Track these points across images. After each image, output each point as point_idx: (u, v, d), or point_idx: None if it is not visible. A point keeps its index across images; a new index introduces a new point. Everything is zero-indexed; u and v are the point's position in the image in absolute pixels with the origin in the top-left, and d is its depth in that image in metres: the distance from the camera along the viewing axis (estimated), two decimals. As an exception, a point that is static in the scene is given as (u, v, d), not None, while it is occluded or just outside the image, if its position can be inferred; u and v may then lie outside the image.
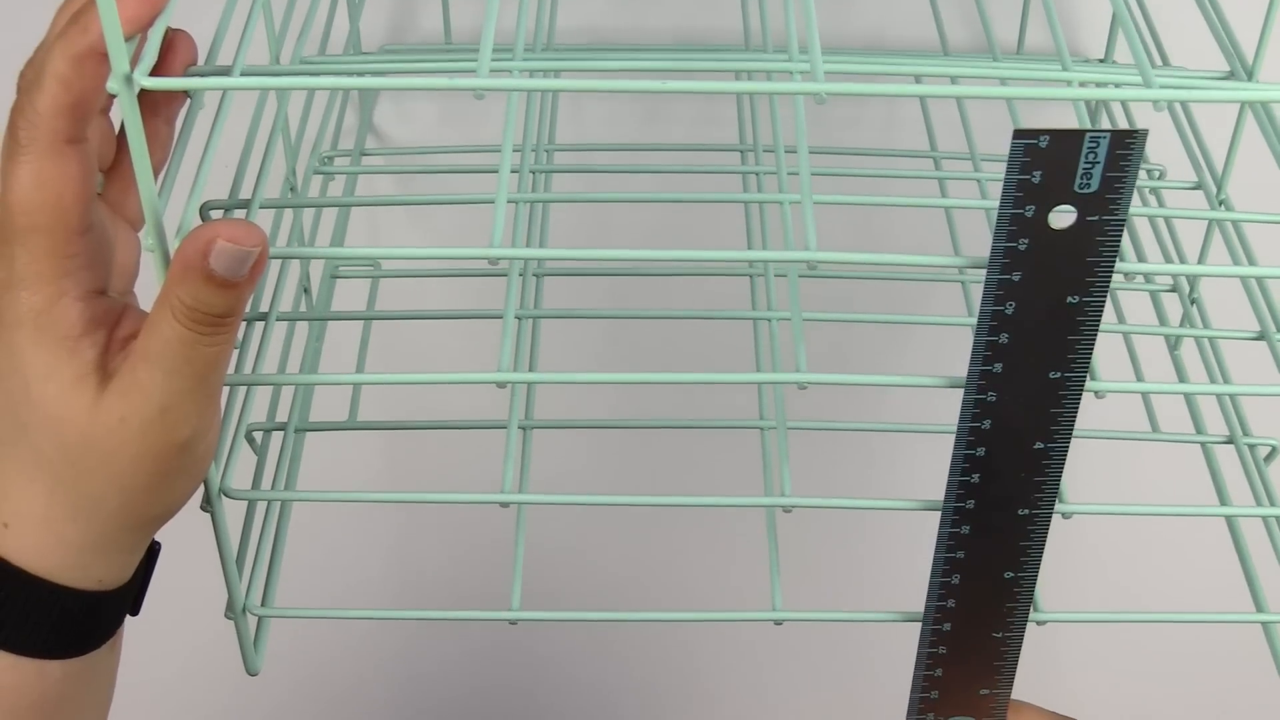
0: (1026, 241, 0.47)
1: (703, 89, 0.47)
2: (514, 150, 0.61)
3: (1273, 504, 0.64)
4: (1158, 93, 0.46)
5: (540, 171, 0.75)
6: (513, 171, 0.63)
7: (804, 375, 0.54)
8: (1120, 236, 0.47)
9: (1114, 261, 0.47)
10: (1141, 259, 0.77)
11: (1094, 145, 0.45)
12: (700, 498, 0.58)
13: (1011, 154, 0.45)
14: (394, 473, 1.00)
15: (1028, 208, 0.46)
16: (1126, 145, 0.45)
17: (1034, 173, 0.46)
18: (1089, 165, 0.45)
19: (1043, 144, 0.45)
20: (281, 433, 0.65)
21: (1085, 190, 0.46)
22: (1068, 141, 0.45)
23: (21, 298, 0.49)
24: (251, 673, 0.61)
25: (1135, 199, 0.75)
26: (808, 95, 0.47)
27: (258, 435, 0.64)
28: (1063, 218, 0.47)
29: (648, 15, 0.84)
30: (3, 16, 0.75)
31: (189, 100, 0.54)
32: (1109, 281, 0.48)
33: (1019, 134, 0.45)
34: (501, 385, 0.54)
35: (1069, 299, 0.48)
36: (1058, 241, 0.47)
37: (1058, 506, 0.55)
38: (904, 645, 0.67)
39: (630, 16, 0.84)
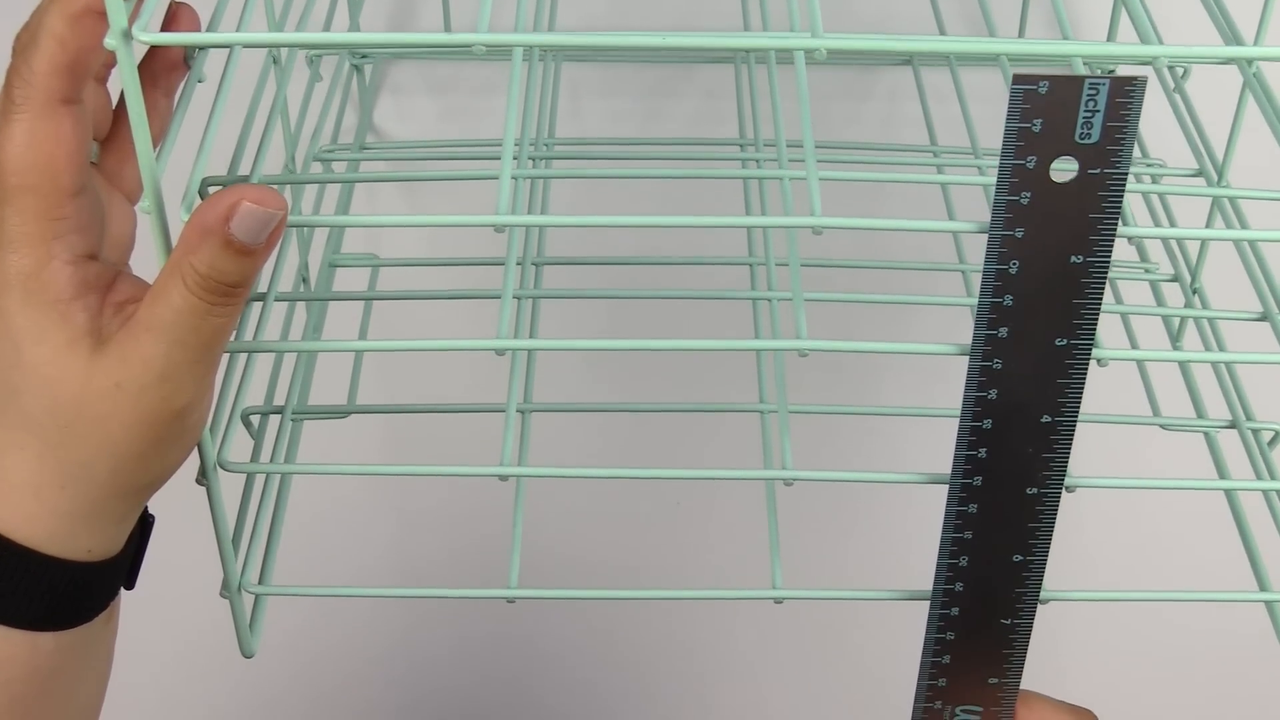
0: (1029, 195, 0.47)
1: (702, 44, 0.47)
2: (514, 145, 0.61)
3: (1274, 478, 0.63)
4: (1157, 49, 0.46)
5: (541, 158, 0.75)
6: (514, 155, 0.63)
7: (804, 342, 0.54)
8: (1123, 191, 0.47)
9: (1117, 219, 0.47)
10: (1143, 251, 0.77)
11: (1094, 92, 0.45)
12: (701, 471, 0.57)
13: (1011, 100, 0.45)
14: (392, 461, 1.00)
15: (1029, 159, 0.46)
16: (1126, 93, 0.45)
17: (1034, 121, 0.46)
18: (1089, 114, 0.45)
19: (1042, 90, 0.45)
20: (278, 418, 0.65)
21: (1086, 141, 0.46)
22: (1067, 88, 0.45)
23: (10, 260, 0.49)
24: (247, 655, 0.60)
25: (1135, 185, 0.75)
26: (807, 52, 0.47)
27: (254, 419, 0.64)
28: (1064, 171, 0.46)
29: (648, 14, 0.84)
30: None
31: (188, 74, 0.54)
32: (1112, 240, 0.48)
33: (1018, 79, 0.45)
34: (500, 353, 0.54)
35: (1073, 258, 0.48)
36: (1060, 195, 0.47)
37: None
38: (905, 631, 0.67)
39: (630, 16, 0.84)
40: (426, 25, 0.85)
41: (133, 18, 0.46)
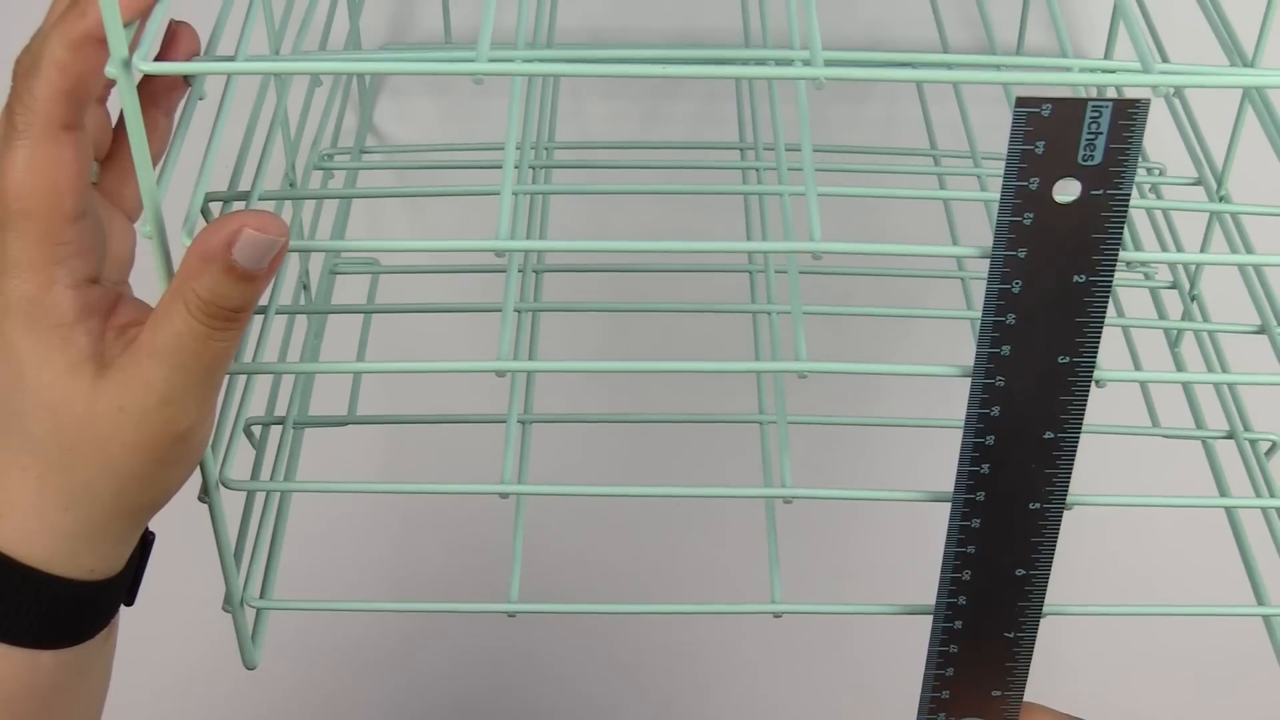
0: (1031, 216, 0.47)
1: (703, 73, 0.47)
2: (514, 148, 0.61)
3: (1274, 495, 0.63)
4: (1157, 78, 0.46)
5: (541, 167, 0.75)
6: (514, 167, 0.63)
7: (804, 364, 0.54)
8: (1125, 212, 0.47)
9: (1120, 239, 0.47)
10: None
11: (1096, 115, 0.45)
12: (702, 488, 0.58)
13: (1014, 123, 0.45)
14: (392, 475, 1.00)
15: (1031, 180, 0.46)
16: (1129, 115, 0.45)
17: (1037, 143, 0.46)
18: (1092, 136, 0.45)
19: (1045, 113, 0.45)
20: (280, 427, 0.65)
21: (1089, 163, 0.46)
22: (1070, 110, 0.45)
23: (13, 285, 0.49)
24: (249, 667, 0.61)
25: (1135, 194, 0.75)
26: (807, 80, 0.46)
27: (256, 429, 0.64)
28: (1067, 191, 0.46)
29: (647, 16, 0.84)
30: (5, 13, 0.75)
31: (189, 91, 0.54)
32: (1115, 261, 0.48)
33: (1021, 102, 0.45)
34: (501, 374, 0.54)
35: (1075, 278, 0.48)
36: (1063, 216, 0.47)
37: (1060, 498, 0.55)
38: (905, 639, 0.67)
39: (630, 17, 0.84)
40: (427, 27, 0.84)
41: (133, 46, 0.46)
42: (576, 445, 0.94)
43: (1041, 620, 0.56)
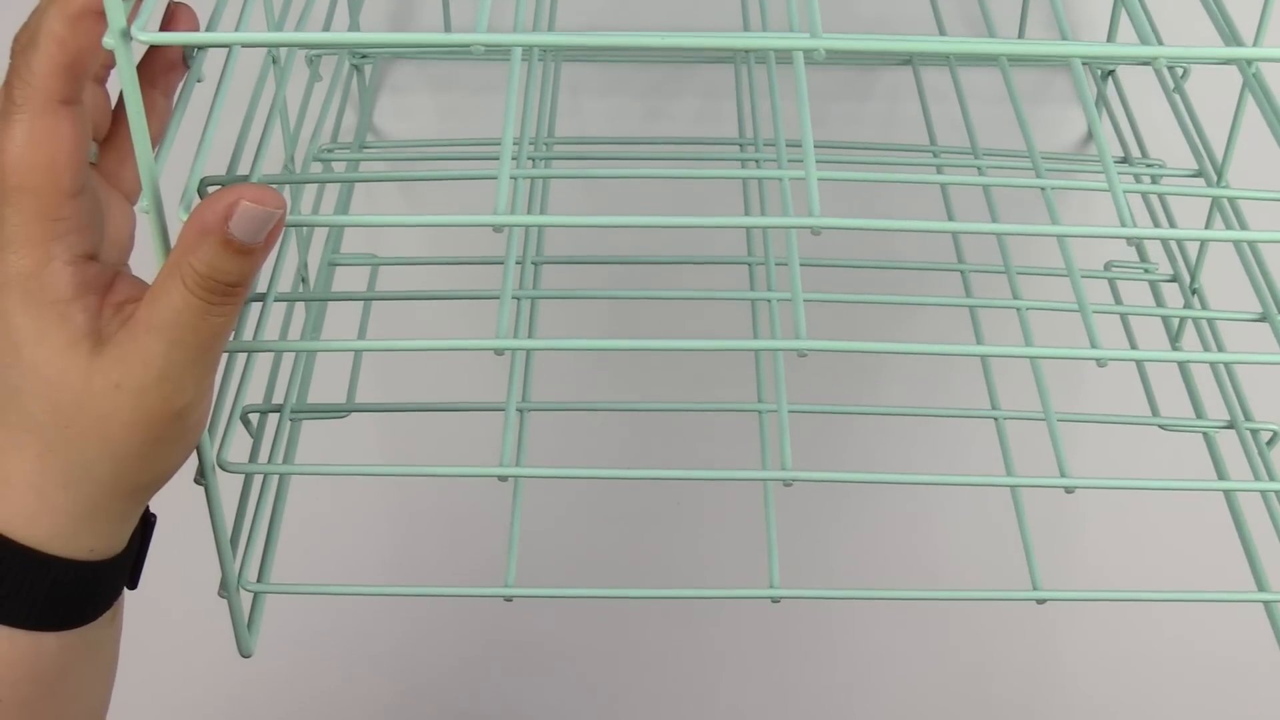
0: None
1: (701, 44, 0.47)
2: (513, 143, 0.61)
3: (1273, 479, 0.63)
4: (1156, 50, 0.46)
5: (541, 159, 0.75)
6: (511, 159, 0.63)
7: (804, 342, 0.53)
8: None
9: None
10: (1142, 251, 0.77)
11: None
12: (700, 471, 0.57)
13: None
14: (391, 459, 1.00)
15: None
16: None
17: None
18: None
19: None
20: (277, 415, 0.65)
21: None
22: None
23: (10, 260, 0.49)
24: (245, 654, 0.60)
25: (1135, 185, 0.75)
26: (806, 53, 0.46)
27: (253, 417, 0.64)
28: None
29: (648, 16, 0.84)
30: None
31: (187, 73, 0.54)
32: None
33: None
34: (499, 353, 0.54)
35: None
36: None
37: (1060, 480, 0.54)
38: (904, 632, 0.67)
39: (630, 17, 0.84)
40: (426, 24, 0.84)
41: (131, 17, 0.46)
42: (576, 437, 0.94)
43: (1042, 608, 0.55)
